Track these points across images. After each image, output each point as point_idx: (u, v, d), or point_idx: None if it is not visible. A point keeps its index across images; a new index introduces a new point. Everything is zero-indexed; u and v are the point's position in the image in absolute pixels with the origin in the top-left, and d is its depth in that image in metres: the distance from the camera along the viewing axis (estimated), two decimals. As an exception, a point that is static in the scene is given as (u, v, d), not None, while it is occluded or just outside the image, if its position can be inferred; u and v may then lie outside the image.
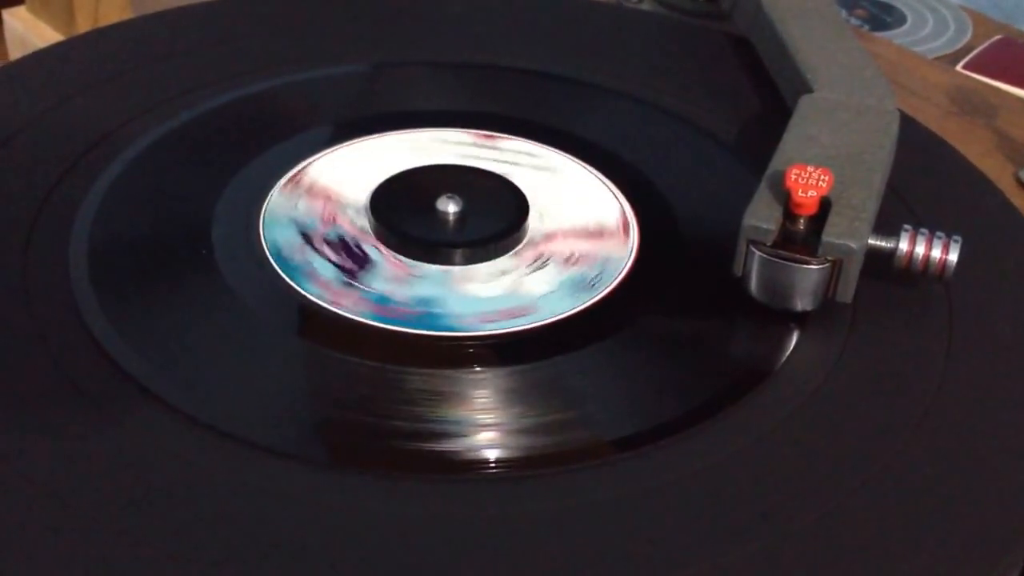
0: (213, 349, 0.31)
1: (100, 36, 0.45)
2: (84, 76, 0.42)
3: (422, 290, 0.34)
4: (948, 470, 0.29)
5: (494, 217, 0.37)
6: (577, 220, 0.37)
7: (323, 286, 0.33)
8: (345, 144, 0.40)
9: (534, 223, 0.37)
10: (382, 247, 0.35)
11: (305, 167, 0.38)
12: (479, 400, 0.30)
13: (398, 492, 0.28)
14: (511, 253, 0.36)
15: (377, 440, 0.29)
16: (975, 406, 0.31)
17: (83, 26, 0.50)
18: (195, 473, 0.27)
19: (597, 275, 0.35)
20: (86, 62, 0.43)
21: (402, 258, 0.35)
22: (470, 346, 0.32)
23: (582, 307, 0.34)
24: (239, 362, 0.31)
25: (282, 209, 0.36)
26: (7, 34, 0.53)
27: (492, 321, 0.33)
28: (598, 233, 0.36)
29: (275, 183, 0.38)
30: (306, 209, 0.36)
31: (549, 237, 0.37)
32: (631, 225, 0.37)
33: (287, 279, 0.34)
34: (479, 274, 0.35)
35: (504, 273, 0.35)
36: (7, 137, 0.38)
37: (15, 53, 0.52)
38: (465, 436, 0.29)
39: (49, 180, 0.37)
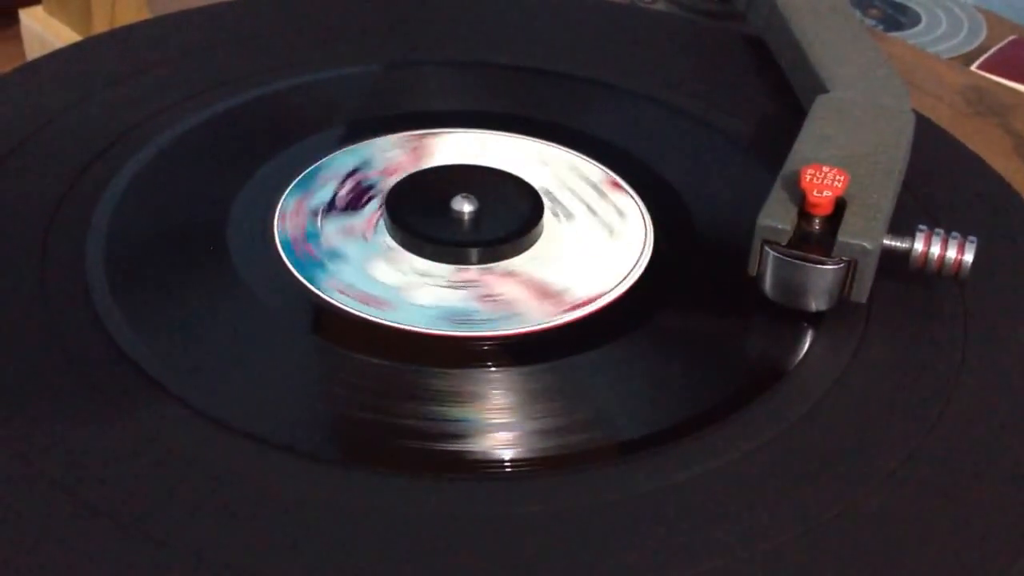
0: (227, 346, 0.32)
1: (117, 36, 0.45)
2: (101, 76, 0.42)
3: (346, 248, 0.35)
4: (964, 470, 0.29)
5: (509, 212, 0.37)
6: (551, 275, 0.36)
7: (297, 204, 0.34)
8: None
9: (520, 259, 0.36)
10: (380, 211, 0.36)
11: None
12: (492, 399, 0.30)
13: (410, 491, 0.28)
14: (457, 266, 0.35)
15: (389, 439, 0.29)
16: (991, 407, 0.31)
17: (100, 26, 0.50)
18: (207, 469, 0.27)
19: (485, 320, 0.33)
20: (103, 62, 0.43)
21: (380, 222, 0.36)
22: (484, 345, 0.32)
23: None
24: (253, 359, 0.31)
25: (379, 147, 0.36)
26: (24, 34, 0.53)
27: (347, 295, 0.33)
28: (550, 295, 0.34)
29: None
30: (393, 155, 0.36)
31: (506, 275, 0.35)
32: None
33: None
34: (403, 264, 0.35)
35: (424, 274, 0.35)
36: (26, 136, 0.38)
37: (32, 53, 0.52)
38: (478, 436, 0.29)
39: (66, 179, 0.37)
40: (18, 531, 0.26)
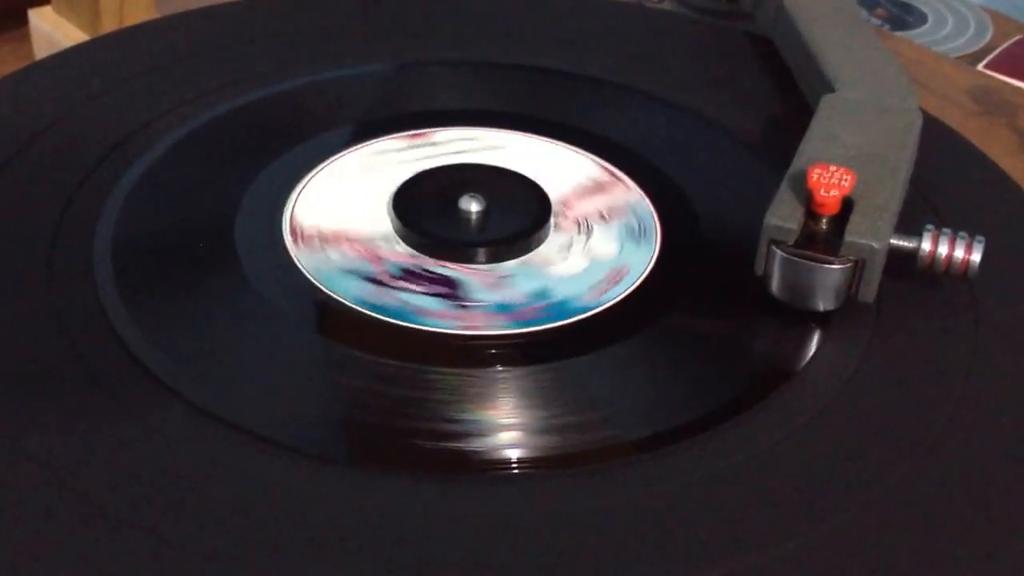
0: (236, 347, 0.32)
1: (125, 36, 0.46)
2: (109, 75, 0.42)
3: (524, 286, 0.34)
4: (974, 471, 0.29)
5: (516, 203, 0.37)
6: (570, 183, 0.38)
7: (442, 316, 0.33)
8: (303, 183, 0.38)
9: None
10: (456, 265, 0.35)
11: (291, 215, 0.37)
12: (497, 399, 0.30)
13: (419, 490, 0.28)
14: (555, 229, 0.36)
15: (399, 439, 0.29)
16: (1001, 406, 0.31)
17: (108, 26, 0.51)
18: (215, 469, 0.28)
19: (639, 222, 0.36)
20: (111, 62, 0.43)
21: (478, 266, 0.35)
22: (492, 346, 0.32)
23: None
24: (261, 360, 0.31)
25: (324, 266, 0.35)
26: (33, 33, 0.53)
27: (605, 291, 0.34)
28: (598, 187, 0.36)
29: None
30: (344, 258, 0.35)
31: (566, 205, 0.37)
32: (622, 176, 0.38)
33: (390, 319, 0.33)
34: (550, 257, 0.35)
35: (567, 247, 0.36)
36: (33, 135, 0.38)
37: (41, 52, 0.53)
38: (486, 435, 0.29)
39: (74, 178, 0.37)
40: (25, 530, 0.26)
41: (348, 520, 0.27)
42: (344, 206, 0.37)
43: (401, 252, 0.35)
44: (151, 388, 0.30)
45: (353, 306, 0.33)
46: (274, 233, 0.36)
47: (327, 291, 0.33)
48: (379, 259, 0.35)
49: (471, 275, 0.35)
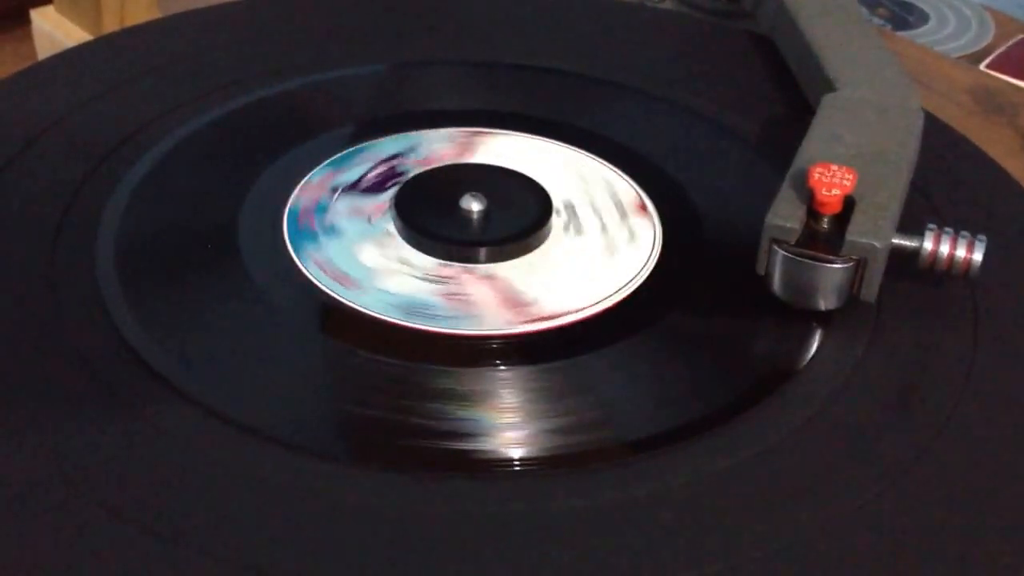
0: (237, 345, 0.32)
1: (127, 36, 0.46)
2: (111, 75, 0.42)
3: (344, 226, 0.35)
4: (975, 471, 0.29)
5: (517, 208, 0.37)
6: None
7: (323, 178, 0.34)
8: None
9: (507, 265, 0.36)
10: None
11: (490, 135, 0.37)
12: (500, 398, 0.31)
13: (420, 489, 0.28)
14: (442, 261, 0.35)
15: (399, 437, 0.29)
16: (1001, 407, 0.31)
17: (110, 26, 0.51)
18: (215, 467, 0.28)
19: (438, 316, 0.33)
20: (113, 61, 0.43)
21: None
22: (493, 345, 0.32)
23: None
24: (263, 359, 0.31)
25: (432, 138, 0.36)
26: (35, 34, 0.53)
27: (317, 268, 0.34)
28: (516, 305, 0.34)
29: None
30: (440, 147, 0.36)
31: (484, 278, 0.35)
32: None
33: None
34: (390, 251, 0.35)
35: (405, 263, 0.35)
36: (36, 135, 0.39)
37: (43, 52, 0.53)
38: (487, 435, 0.29)
39: (75, 178, 0.37)
40: (28, 529, 0.26)
41: (349, 518, 0.27)
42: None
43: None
44: (152, 387, 0.30)
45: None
46: (276, 232, 0.36)
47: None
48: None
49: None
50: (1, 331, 0.31)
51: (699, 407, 0.30)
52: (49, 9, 0.53)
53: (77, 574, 0.25)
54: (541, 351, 0.32)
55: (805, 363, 0.32)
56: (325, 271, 0.34)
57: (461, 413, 0.30)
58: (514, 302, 0.34)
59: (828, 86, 0.40)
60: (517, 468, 0.29)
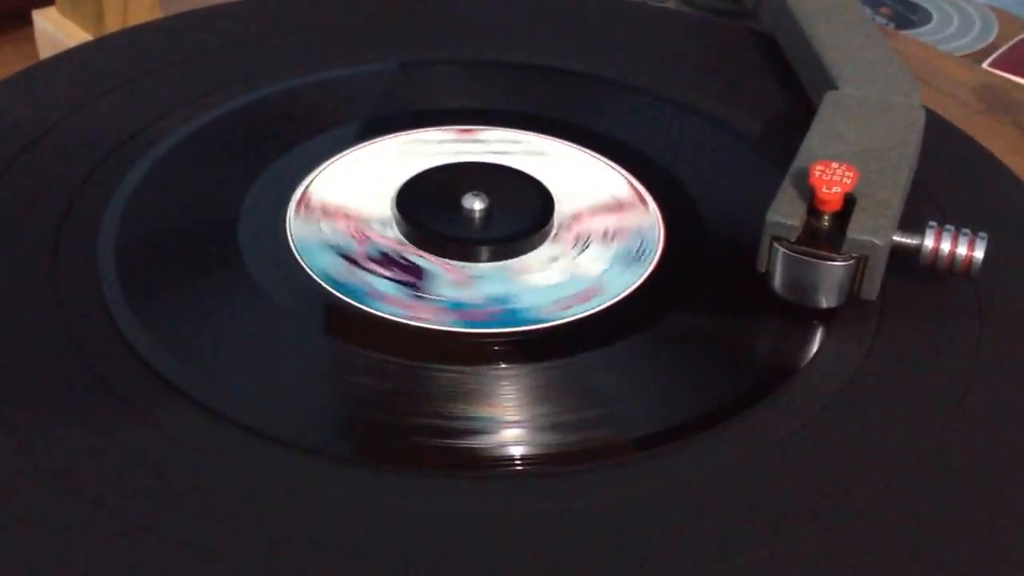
0: (239, 345, 0.32)
1: (129, 36, 0.46)
2: (113, 75, 0.42)
3: (489, 288, 0.34)
4: (979, 469, 0.29)
5: (521, 209, 0.37)
6: (593, 197, 0.38)
7: (394, 302, 0.33)
8: (335, 158, 0.39)
9: (557, 207, 0.37)
10: (427, 255, 0.35)
11: (307, 187, 0.37)
12: (502, 397, 0.30)
13: (422, 488, 0.28)
14: (551, 239, 0.36)
15: (402, 437, 0.29)
16: (1004, 404, 0.31)
17: (112, 26, 0.51)
18: (220, 469, 0.28)
19: (639, 246, 0.36)
20: (115, 62, 0.43)
21: (452, 262, 0.35)
22: (497, 344, 0.32)
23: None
24: (264, 358, 0.31)
25: (310, 235, 0.35)
26: (37, 34, 0.53)
27: (568, 307, 0.33)
28: (618, 206, 0.37)
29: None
30: (332, 231, 0.36)
31: (576, 218, 0.37)
32: (646, 197, 0.38)
33: (346, 298, 0.33)
34: (532, 264, 0.35)
35: (554, 259, 0.35)
36: (38, 135, 0.39)
37: (45, 53, 0.53)
38: (490, 433, 0.29)
39: (77, 178, 0.37)
40: (30, 530, 0.26)
41: (350, 517, 0.27)
42: (359, 184, 0.38)
43: (390, 237, 0.36)
44: (154, 386, 0.30)
45: (315, 279, 0.33)
46: (278, 231, 0.36)
47: (300, 260, 0.34)
48: (365, 239, 0.35)
49: (444, 269, 0.35)
50: (2, 331, 0.31)
51: (701, 406, 0.30)
52: (51, 10, 0.53)
53: (77, 574, 0.25)
54: (542, 350, 0.32)
55: (807, 361, 0.32)
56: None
57: (463, 412, 0.30)
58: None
59: (830, 84, 0.40)
60: (518, 467, 0.29)
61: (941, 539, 0.27)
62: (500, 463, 0.29)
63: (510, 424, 0.30)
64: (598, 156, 0.40)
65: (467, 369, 0.31)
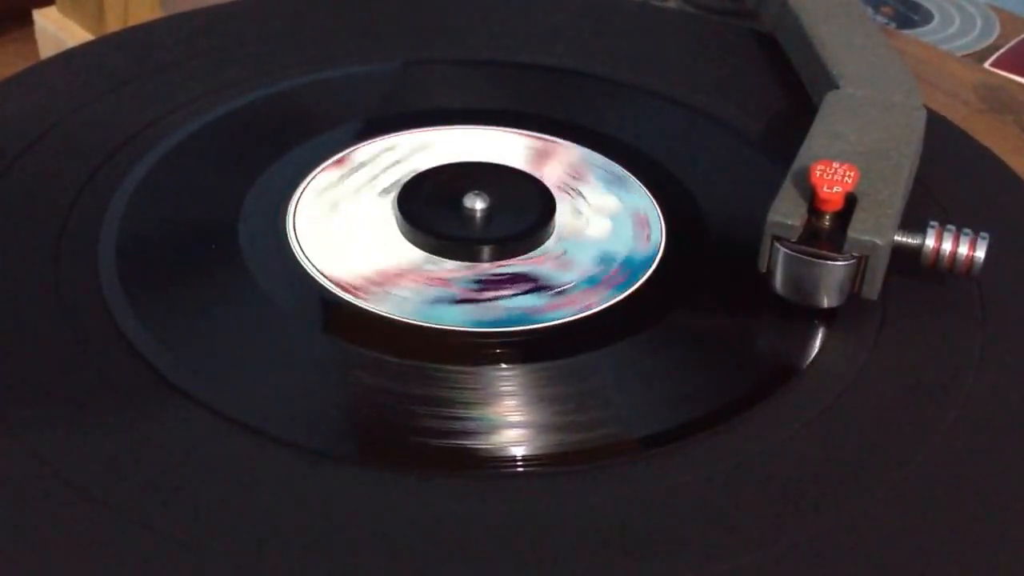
0: (240, 344, 0.32)
1: (129, 35, 0.46)
2: (113, 75, 0.42)
3: (585, 256, 0.35)
4: (981, 469, 0.29)
5: (521, 205, 0.37)
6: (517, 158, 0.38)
7: (550, 308, 0.33)
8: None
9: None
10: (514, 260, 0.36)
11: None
12: (503, 397, 0.30)
13: (422, 488, 0.28)
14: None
15: (402, 436, 0.29)
16: (1007, 404, 0.31)
17: (113, 25, 0.51)
18: (221, 468, 0.28)
19: (607, 171, 0.36)
20: (116, 61, 0.43)
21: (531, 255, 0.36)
22: (497, 343, 0.32)
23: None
24: (266, 359, 0.31)
25: (409, 305, 0.34)
26: (38, 34, 0.53)
27: (648, 237, 0.36)
28: (543, 154, 0.37)
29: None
30: (418, 293, 0.34)
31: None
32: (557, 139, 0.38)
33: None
34: (576, 225, 0.36)
35: (579, 212, 0.37)
36: (39, 135, 0.39)
37: (46, 53, 0.53)
38: (492, 433, 0.29)
39: (78, 178, 0.37)
40: (30, 529, 0.26)
41: (352, 517, 0.27)
42: (356, 246, 0.36)
43: (452, 267, 0.35)
44: (156, 386, 0.30)
45: (473, 329, 0.32)
46: (278, 230, 0.36)
47: (439, 326, 0.32)
48: (446, 281, 0.34)
49: (536, 264, 0.35)
50: (3, 331, 0.31)
51: (702, 406, 0.30)
52: (52, 9, 0.53)
53: (78, 574, 0.25)
54: (543, 349, 0.32)
55: (809, 362, 0.32)
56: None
57: (463, 412, 0.30)
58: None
59: (831, 84, 0.40)
60: (520, 467, 0.28)
61: (942, 539, 0.27)
62: (500, 463, 0.29)
63: (510, 424, 0.30)
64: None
65: (468, 369, 0.31)
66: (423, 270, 0.35)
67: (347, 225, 0.37)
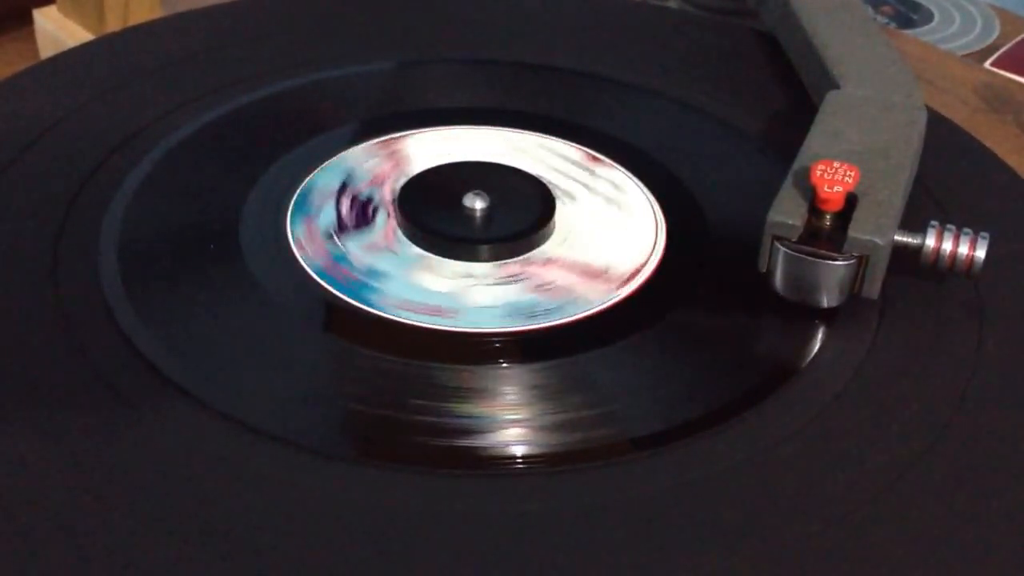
0: (240, 344, 0.32)
1: (130, 35, 0.46)
2: (113, 75, 0.42)
3: (380, 265, 0.35)
4: (980, 469, 0.29)
5: (522, 204, 0.37)
6: (589, 255, 0.36)
7: (307, 229, 0.34)
8: (442, 128, 0.41)
9: (552, 245, 0.36)
10: (394, 221, 0.36)
11: (402, 138, 0.39)
12: (503, 396, 0.30)
13: (422, 487, 0.28)
14: (498, 263, 0.35)
15: (403, 435, 0.29)
16: (1007, 403, 0.31)
17: (113, 25, 0.51)
18: (222, 467, 0.28)
19: (550, 309, 0.33)
20: (115, 61, 0.43)
21: (399, 232, 0.36)
22: (496, 342, 0.32)
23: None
24: (268, 357, 0.31)
25: (354, 159, 0.37)
26: (38, 33, 0.53)
27: (408, 310, 0.33)
28: (597, 274, 0.35)
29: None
30: (372, 165, 0.36)
31: (548, 262, 0.36)
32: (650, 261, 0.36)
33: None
34: (445, 269, 0.35)
35: (468, 276, 0.35)
36: (38, 134, 0.39)
37: (46, 52, 0.53)
38: (490, 432, 0.29)
39: (77, 179, 0.37)
40: (31, 529, 0.26)
41: (352, 516, 0.27)
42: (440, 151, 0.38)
43: (391, 197, 0.36)
44: (156, 386, 0.30)
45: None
46: (279, 230, 0.36)
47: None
48: (379, 184, 0.36)
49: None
50: (4, 331, 0.31)
51: (702, 405, 0.30)
52: (52, 9, 0.53)
53: (79, 574, 0.25)
54: (544, 348, 0.32)
55: (808, 361, 0.32)
56: (412, 309, 0.33)
57: (462, 411, 0.30)
58: (593, 272, 0.35)
59: (831, 83, 0.40)
60: (520, 466, 0.28)
61: (943, 538, 0.27)
62: (500, 462, 0.29)
63: (510, 423, 0.30)
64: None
65: (467, 367, 0.31)
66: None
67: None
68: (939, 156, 0.39)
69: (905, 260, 0.33)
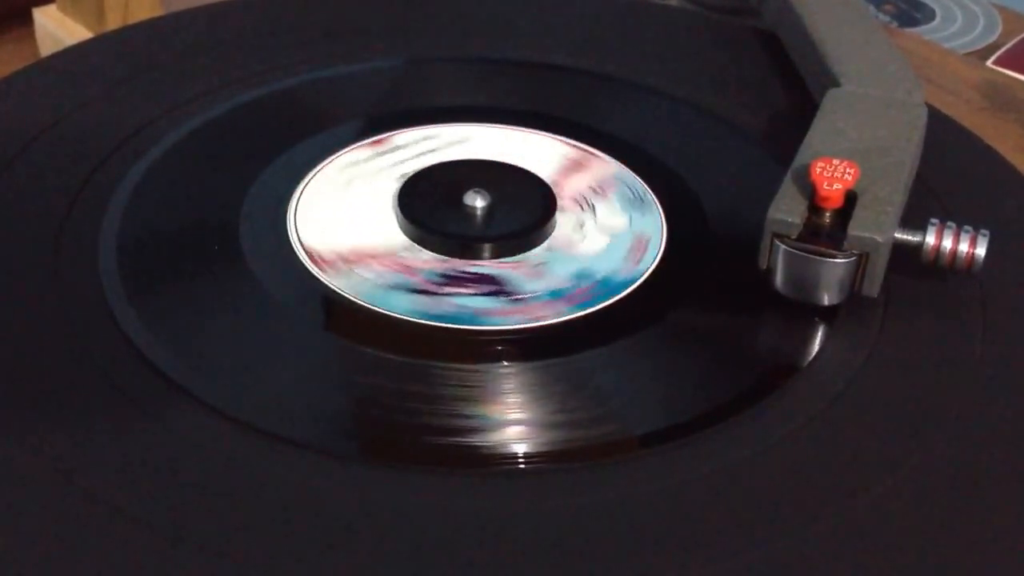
0: (243, 344, 0.32)
1: (130, 34, 0.46)
2: (113, 73, 0.42)
3: (562, 270, 0.35)
4: (982, 468, 0.29)
5: (523, 202, 0.37)
6: (551, 165, 0.38)
7: (503, 312, 0.33)
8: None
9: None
10: (481, 262, 0.35)
11: (296, 221, 0.36)
12: (503, 395, 0.30)
13: (423, 486, 0.28)
14: (559, 212, 0.37)
15: (404, 434, 0.29)
16: (1008, 401, 0.31)
17: (113, 24, 0.51)
18: (224, 467, 0.28)
19: (631, 190, 0.36)
20: (115, 59, 0.43)
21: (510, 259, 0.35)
22: (497, 342, 0.32)
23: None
24: (270, 357, 0.31)
25: (364, 286, 0.34)
26: (38, 32, 0.53)
27: (638, 261, 0.35)
28: (577, 165, 0.36)
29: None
30: (379, 275, 0.35)
31: (557, 186, 0.37)
32: (595, 151, 0.37)
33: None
34: (571, 238, 0.36)
35: (581, 225, 0.36)
36: (37, 134, 0.39)
37: (46, 51, 0.53)
38: (492, 431, 0.29)
39: (78, 177, 0.37)
40: (31, 528, 0.26)
41: (354, 515, 0.27)
42: (347, 223, 0.36)
43: (427, 259, 0.35)
44: (157, 386, 0.30)
45: (417, 320, 0.33)
46: (279, 229, 0.36)
47: (381, 310, 0.33)
48: (411, 270, 0.35)
49: (510, 269, 0.35)
50: (4, 331, 0.31)
51: (702, 404, 0.30)
52: (51, 8, 0.53)
53: (79, 574, 0.25)
54: (544, 348, 0.32)
55: (810, 360, 0.32)
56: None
57: (464, 410, 0.30)
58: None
59: (832, 81, 0.40)
60: (520, 465, 0.28)
61: (944, 539, 0.27)
62: (500, 461, 0.29)
63: (511, 422, 0.30)
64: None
65: (469, 367, 0.31)
66: (397, 256, 0.35)
67: (351, 202, 0.37)
68: (940, 154, 0.39)
69: (905, 258, 0.33)
